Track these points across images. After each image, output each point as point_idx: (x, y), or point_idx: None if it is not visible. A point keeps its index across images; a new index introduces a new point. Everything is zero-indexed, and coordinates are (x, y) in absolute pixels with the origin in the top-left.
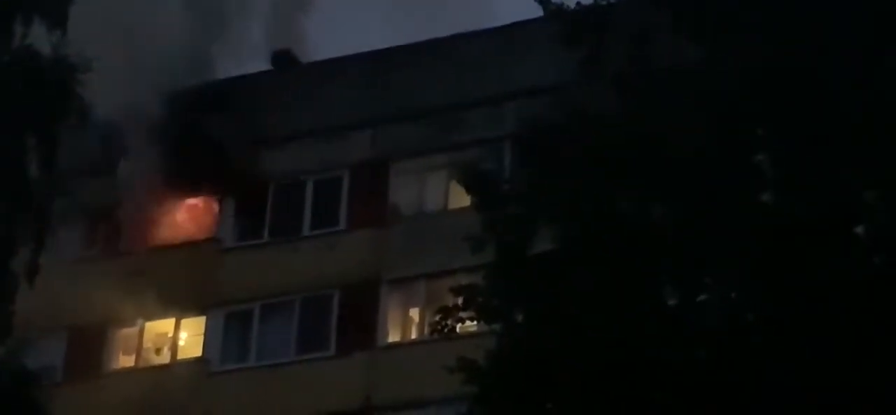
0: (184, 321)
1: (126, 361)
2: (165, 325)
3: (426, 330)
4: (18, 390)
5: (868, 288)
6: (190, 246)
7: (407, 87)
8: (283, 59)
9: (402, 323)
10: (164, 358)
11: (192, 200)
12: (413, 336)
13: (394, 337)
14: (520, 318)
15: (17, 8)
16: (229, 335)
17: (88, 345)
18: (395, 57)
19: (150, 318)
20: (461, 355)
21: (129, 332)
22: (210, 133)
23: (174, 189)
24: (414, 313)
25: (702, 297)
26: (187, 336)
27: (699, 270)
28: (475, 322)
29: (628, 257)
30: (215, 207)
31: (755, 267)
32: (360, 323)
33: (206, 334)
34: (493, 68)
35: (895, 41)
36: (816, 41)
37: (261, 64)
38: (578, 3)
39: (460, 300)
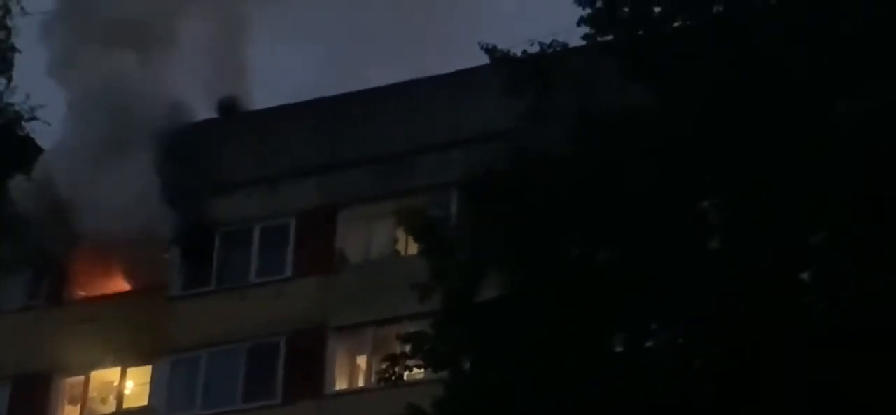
0: (130, 370)
1: (71, 411)
2: (111, 374)
3: (374, 378)
4: None
5: (814, 333)
6: (136, 294)
7: (354, 133)
8: (229, 107)
9: (350, 371)
10: (110, 407)
11: (139, 248)
12: (360, 384)
13: (341, 385)
14: (467, 365)
15: None
16: (176, 384)
17: (33, 394)
18: (341, 104)
19: (95, 367)
20: (409, 403)
21: (74, 381)
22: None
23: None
24: (361, 361)
25: (649, 343)
26: (133, 385)
27: (646, 316)
28: (423, 370)
29: (575, 303)
30: (162, 254)
31: (703, 313)
32: (307, 371)
33: (152, 383)
34: (440, 115)
35: (840, 85)
36: (762, 85)
37: (206, 111)
38: (524, 51)
39: (408, 348)
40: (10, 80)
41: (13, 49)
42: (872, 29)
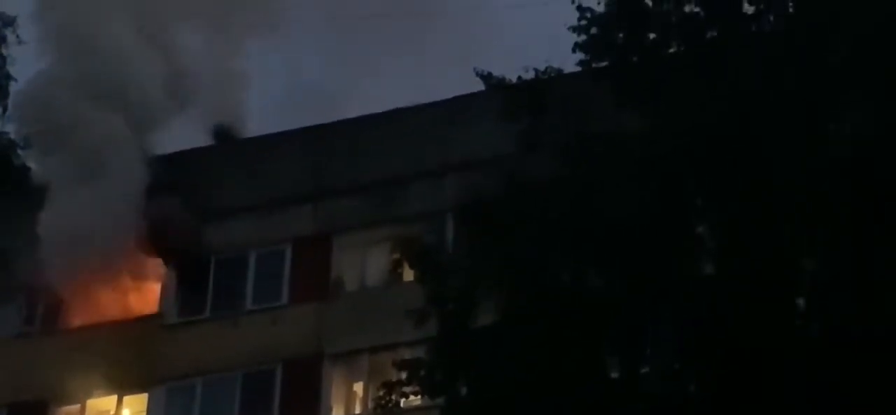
0: (126, 398)
1: None
2: (107, 402)
3: (370, 404)
4: None
5: (807, 357)
6: (132, 322)
7: (349, 160)
8: (225, 134)
9: (346, 398)
10: None
11: (133, 275)
12: (357, 411)
13: (337, 412)
14: (463, 391)
15: None
16: (172, 412)
17: None
18: (336, 130)
19: (91, 395)
20: None
21: (70, 409)
22: (151, 208)
23: (116, 264)
24: (357, 388)
25: (645, 369)
26: (129, 413)
27: (640, 341)
28: (419, 396)
29: (570, 326)
30: (157, 281)
31: (696, 338)
32: (303, 398)
33: (148, 411)
34: (434, 141)
35: (831, 106)
36: (755, 109)
37: (202, 138)
38: (519, 77)
39: (404, 374)
40: (5, 108)
41: (8, 77)
42: (863, 51)
